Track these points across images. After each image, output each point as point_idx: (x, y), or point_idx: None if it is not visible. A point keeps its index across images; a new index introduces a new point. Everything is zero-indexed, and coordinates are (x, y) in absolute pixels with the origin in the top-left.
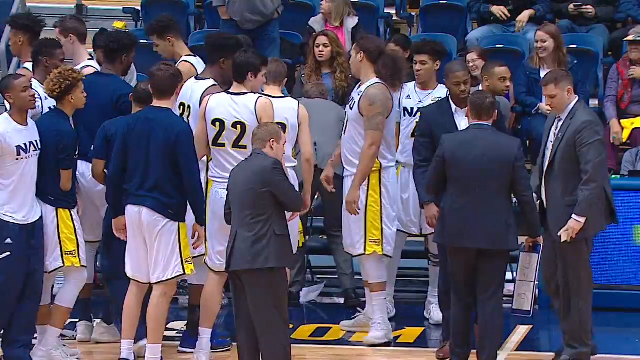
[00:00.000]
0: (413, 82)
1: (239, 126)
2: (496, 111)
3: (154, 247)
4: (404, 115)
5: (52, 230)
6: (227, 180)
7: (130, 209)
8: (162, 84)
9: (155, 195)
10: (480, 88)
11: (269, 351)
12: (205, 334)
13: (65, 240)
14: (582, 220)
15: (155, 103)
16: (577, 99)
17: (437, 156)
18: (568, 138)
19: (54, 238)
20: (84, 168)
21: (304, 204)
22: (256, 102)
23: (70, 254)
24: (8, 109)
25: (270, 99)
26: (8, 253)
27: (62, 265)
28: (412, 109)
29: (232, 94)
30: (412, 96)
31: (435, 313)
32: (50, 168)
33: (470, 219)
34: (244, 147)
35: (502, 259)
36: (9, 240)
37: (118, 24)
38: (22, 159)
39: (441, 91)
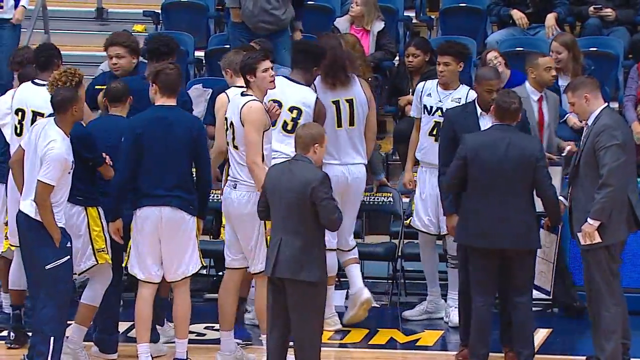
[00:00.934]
0: (435, 80)
1: (232, 126)
2: (520, 114)
3: (175, 246)
4: (424, 114)
5: (84, 229)
6: (230, 179)
7: (149, 210)
8: (174, 83)
9: (178, 194)
10: (528, 82)
11: (304, 355)
12: (225, 336)
13: (96, 238)
14: (595, 224)
15: (164, 102)
16: (604, 105)
17: (460, 156)
18: (589, 143)
19: (86, 237)
20: None
21: None
22: (244, 104)
23: (102, 250)
24: (57, 122)
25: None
26: (68, 257)
27: (96, 263)
28: (431, 107)
29: (242, 94)
30: (433, 95)
31: (453, 316)
32: (77, 169)
33: (493, 220)
34: (237, 147)
35: (529, 257)
36: (69, 244)
37: (138, 27)
38: (71, 170)
39: (461, 92)
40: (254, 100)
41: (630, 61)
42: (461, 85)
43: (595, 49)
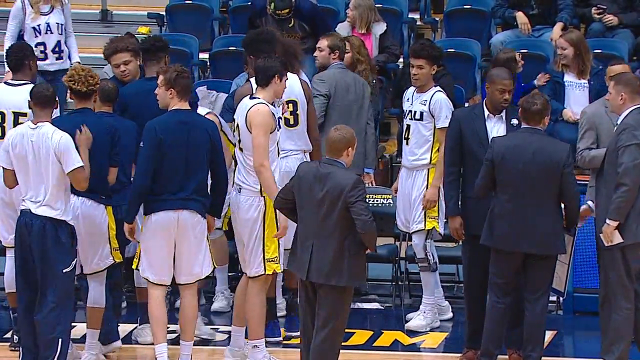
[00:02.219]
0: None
1: (237, 128)
2: (548, 117)
3: (190, 248)
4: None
5: (105, 229)
6: (240, 185)
7: (167, 215)
8: (190, 87)
9: (196, 197)
10: None
11: (322, 356)
12: (238, 332)
13: (113, 237)
14: (613, 224)
15: (181, 106)
16: (636, 106)
17: (487, 160)
18: (612, 143)
19: (106, 236)
20: None
21: None
22: (251, 107)
23: (117, 249)
24: (42, 117)
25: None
26: (76, 259)
27: (114, 261)
28: (405, 111)
29: (250, 97)
30: (410, 99)
31: (414, 320)
32: (102, 167)
33: (519, 223)
34: (242, 150)
35: (550, 261)
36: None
37: (143, 29)
38: None
39: (429, 93)
40: (262, 103)
41: (635, 63)
42: (432, 87)
43: (600, 50)
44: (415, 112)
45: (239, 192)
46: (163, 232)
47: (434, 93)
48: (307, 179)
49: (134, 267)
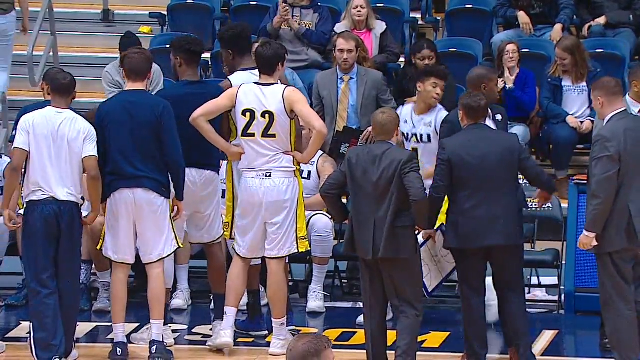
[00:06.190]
0: (410, 106)
1: (267, 115)
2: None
3: (149, 227)
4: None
5: None
6: (256, 170)
7: (124, 192)
8: (138, 67)
9: (148, 175)
10: (628, 95)
11: (409, 320)
12: (230, 312)
13: None
14: (590, 235)
15: (131, 86)
16: (617, 111)
17: (442, 160)
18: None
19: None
20: (194, 174)
21: None
22: (284, 91)
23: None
24: (64, 105)
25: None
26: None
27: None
28: (407, 134)
29: (260, 84)
30: (408, 121)
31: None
32: None
33: (482, 218)
34: (273, 135)
35: (517, 253)
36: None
37: (144, 29)
38: None
39: (432, 115)
40: (290, 86)
41: (636, 62)
42: (435, 107)
43: (601, 50)
44: (421, 135)
45: (268, 176)
46: (122, 210)
47: (438, 112)
48: (360, 164)
49: (97, 247)
